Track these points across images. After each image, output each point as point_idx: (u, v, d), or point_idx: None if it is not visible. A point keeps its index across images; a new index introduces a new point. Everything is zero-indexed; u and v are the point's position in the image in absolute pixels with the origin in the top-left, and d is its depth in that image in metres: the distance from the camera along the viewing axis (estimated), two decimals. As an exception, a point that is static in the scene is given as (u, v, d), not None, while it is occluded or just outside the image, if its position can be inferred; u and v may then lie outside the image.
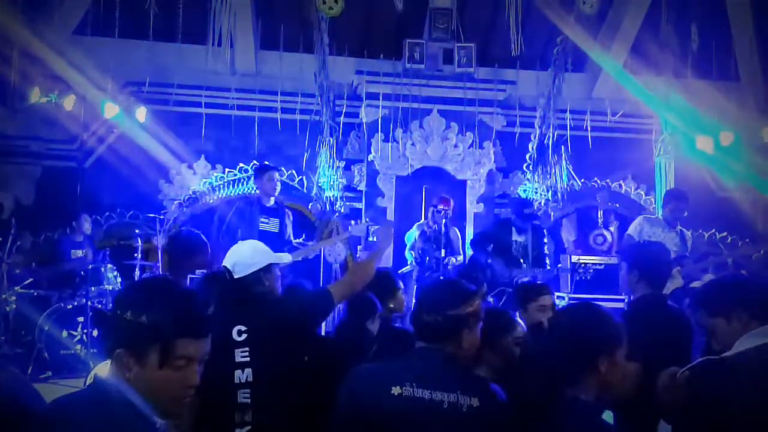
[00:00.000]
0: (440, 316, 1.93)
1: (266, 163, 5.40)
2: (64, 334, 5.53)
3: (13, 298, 5.88)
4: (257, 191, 5.27)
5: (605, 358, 1.72)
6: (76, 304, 5.65)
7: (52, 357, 5.45)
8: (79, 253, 6.36)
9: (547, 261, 5.75)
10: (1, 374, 2.34)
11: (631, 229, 5.39)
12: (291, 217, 5.20)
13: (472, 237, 6.47)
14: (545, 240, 5.89)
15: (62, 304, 5.66)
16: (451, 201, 6.05)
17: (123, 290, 1.49)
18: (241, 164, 7.74)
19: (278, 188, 5.15)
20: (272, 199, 5.09)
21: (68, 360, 5.48)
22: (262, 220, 4.88)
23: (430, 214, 6.00)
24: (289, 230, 5.09)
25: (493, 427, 1.80)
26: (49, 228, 7.24)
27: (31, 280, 6.10)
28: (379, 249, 2.87)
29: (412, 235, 6.08)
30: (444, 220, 5.80)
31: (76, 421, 1.30)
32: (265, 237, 4.20)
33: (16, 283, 6.00)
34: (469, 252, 6.10)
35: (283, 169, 7.74)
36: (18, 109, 7.42)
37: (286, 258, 2.65)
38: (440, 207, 5.87)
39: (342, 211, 7.54)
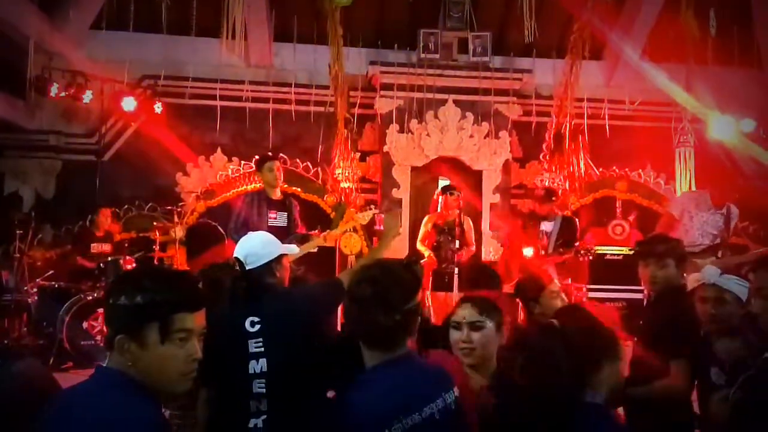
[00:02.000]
0: (398, 314, 1.68)
1: (269, 153, 5.34)
2: (84, 325, 5.62)
3: (35, 290, 6.00)
4: (260, 185, 5.17)
5: (614, 352, 1.70)
6: (95, 295, 5.75)
7: (72, 348, 5.54)
8: (102, 246, 6.44)
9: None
10: (21, 363, 2.38)
11: (672, 207, 5.26)
12: (297, 209, 5.13)
13: None
14: (574, 228, 6.05)
15: (82, 296, 5.75)
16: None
17: (112, 281, 1.54)
18: (257, 156, 7.77)
19: (281, 177, 5.11)
20: (278, 191, 5.04)
21: (89, 350, 5.57)
22: (270, 215, 4.85)
23: (442, 202, 5.96)
24: (298, 222, 5.04)
25: (470, 407, 1.78)
26: (69, 221, 7.35)
27: (51, 272, 6.21)
28: (385, 237, 2.86)
29: (423, 226, 6.06)
30: (458, 211, 5.77)
31: (76, 409, 1.32)
32: (274, 231, 4.18)
33: (37, 275, 6.12)
34: None
35: (297, 160, 7.85)
36: (37, 104, 7.52)
37: (294, 250, 2.66)
38: (456, 192, 5.85)
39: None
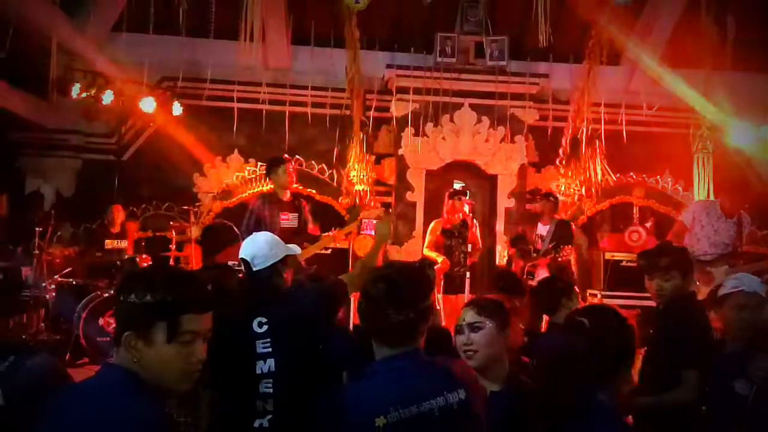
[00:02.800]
0: (412, 312, 1.71)
1: (285, 156, 5.38)
2: (100, 322, 5.71)
3: (53, 286, 6.10)
4: (271, 186, 5.19)
5: (630, 358, 1.70)
6: (112, 293, 5.83)
7: (88, 344, 5.63)
8: (116, 243, 6.54)
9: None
10: (35, 359, 2.43)
11: (683, 216, 5.23)
12: (307, 208, 5.15)
13: None
14: (569, 232, 6.01)
15: (98, 293, 5.84)
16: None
17: (123, 279, 1.54)
18: (269, 159, 7.80)
19: (294, 179, 5.13)
20: (288, 192, 5.06)
21: (104, 347, 5.65)
22: (282, 216, 4.88)
23: (450, 205, 5.93)
24: (309, 221, 5.06)
25: (481, 411, 1.75)
26: (88, 219, 7.47)
27: (69, 269, 6.31)
28: (377, 242, 2.89)
29: (431, 233, 6.05)
30: (470, 213, 5.78)
31: (80, 406, 1.35)
32: (286, 232, 4.21)
33: (55, 272, 6.22)
34: None
35: (313, 162, 7.90)
36: (58, 104, 7.65)
37: (297, 250, 2.68)
38: (464, 200, 5.84)
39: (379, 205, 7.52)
